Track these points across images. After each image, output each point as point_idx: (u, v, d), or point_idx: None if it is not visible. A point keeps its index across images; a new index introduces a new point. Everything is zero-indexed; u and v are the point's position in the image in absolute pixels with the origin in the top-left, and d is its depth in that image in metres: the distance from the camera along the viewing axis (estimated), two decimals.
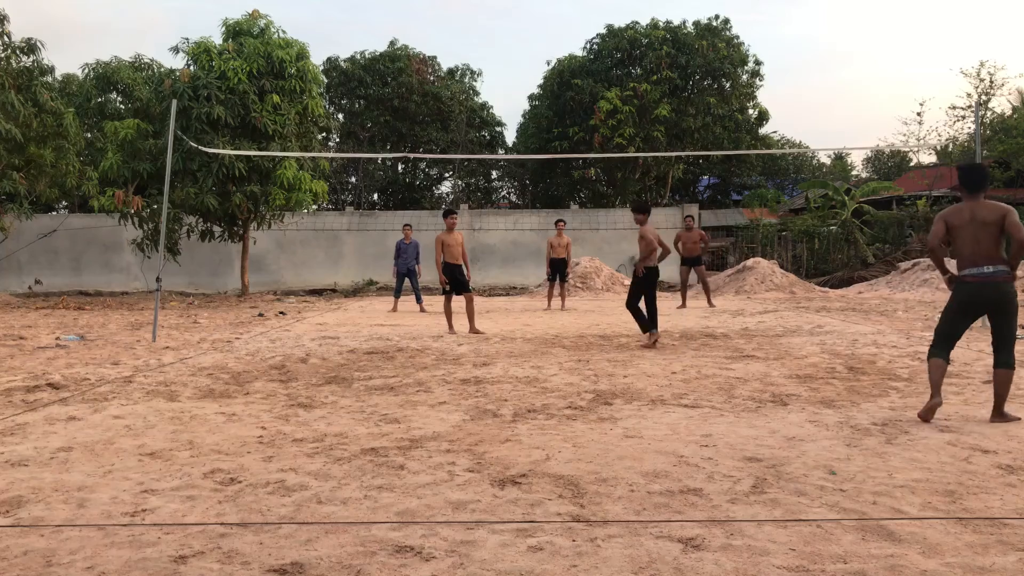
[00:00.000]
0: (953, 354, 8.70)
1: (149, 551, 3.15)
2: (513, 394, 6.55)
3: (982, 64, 35.23)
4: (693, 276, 16.63)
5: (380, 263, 26.07)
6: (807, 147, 43.66)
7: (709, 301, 16.44)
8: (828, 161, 44.37)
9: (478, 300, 20.29)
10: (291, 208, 21.36)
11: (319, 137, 24.34)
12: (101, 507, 3.70)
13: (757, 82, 34.86)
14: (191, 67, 19.62)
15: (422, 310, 16.01)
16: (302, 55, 20.50)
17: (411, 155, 34.61)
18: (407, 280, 16.50)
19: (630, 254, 27.51)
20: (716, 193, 40.66)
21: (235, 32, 20.31)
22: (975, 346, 9.22)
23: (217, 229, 21.22)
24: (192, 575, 2.93)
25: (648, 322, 9.73)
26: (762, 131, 37.28)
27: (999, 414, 5.32)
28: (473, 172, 40.18)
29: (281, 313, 16.23)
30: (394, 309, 16.26)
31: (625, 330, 11.67)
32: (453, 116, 36.70)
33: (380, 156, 35.09)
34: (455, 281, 11.53)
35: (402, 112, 35.74)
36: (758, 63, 34.33)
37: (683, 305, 16.11)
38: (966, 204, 5.34)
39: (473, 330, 11.37)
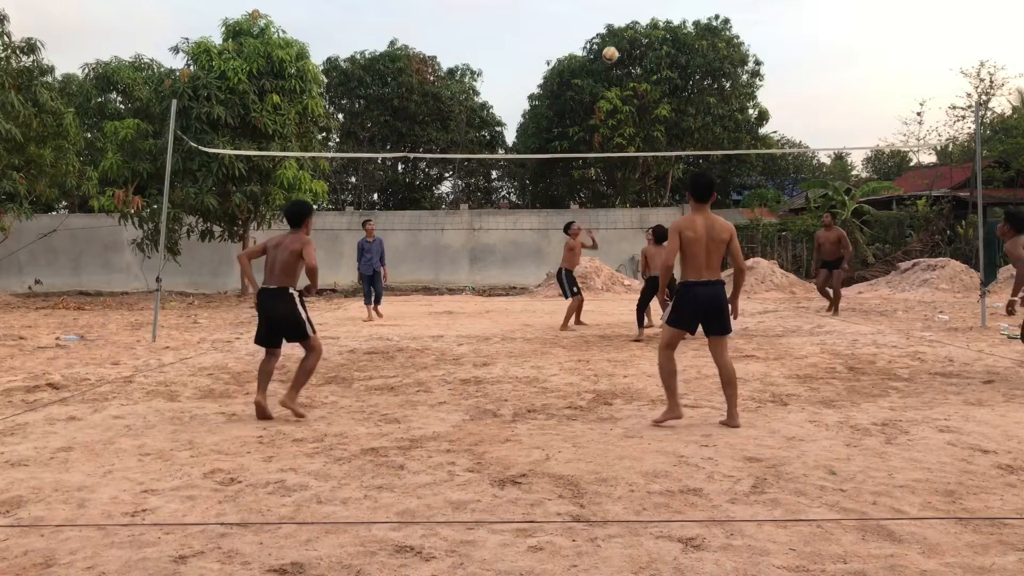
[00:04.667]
0: (953, 354, 8.73)
1: (149, 551, 3.15)
2: (513, 394, 6.55)
3: (982, 64, 35.13)
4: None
5: None
6: (807, 147, 43.64)
7: (836, 308, 14.41)
8: (828, 161, 44.33)
9: (478, 299, 20.29)
10: None
11: (319, 137, 24.33)
12: (101, 507, 3.70)
13: (757, 82, 34.87)
14: (191, 67, 19.61)
15: (378, 314, 14.10)
16: (302, 55, 20.50)
17: (411, 155, 34.55)
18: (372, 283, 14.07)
19: (630, 254, 27.51)
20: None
21: (235, 32, 20.32)
22: (975, 346, 9.22)
23: (217, 229, 21.21)
24: (192, 575, 2.93)
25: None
26: (762, 131, 37.26)
27: None
28: (473, 172, 40.16)
29: None
30: (368, 317, 13.84)
31: (625, 330, 11.67)
32: (453, 116, 36.67)
33: (380, 156, 35.06)
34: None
35: (402, 112, 35.72)
36: (758, 63, 34.35)
37: (830, 309, 14.44)
38: None
39: (563, 327, 11.97)
